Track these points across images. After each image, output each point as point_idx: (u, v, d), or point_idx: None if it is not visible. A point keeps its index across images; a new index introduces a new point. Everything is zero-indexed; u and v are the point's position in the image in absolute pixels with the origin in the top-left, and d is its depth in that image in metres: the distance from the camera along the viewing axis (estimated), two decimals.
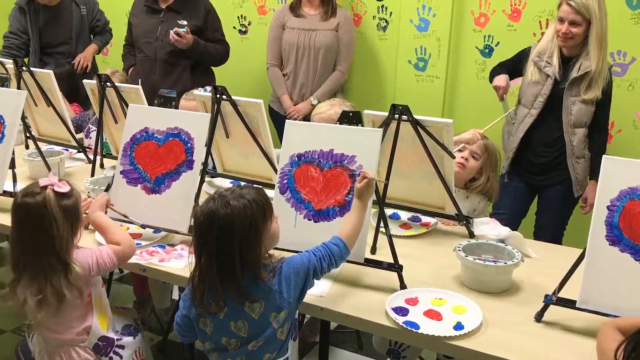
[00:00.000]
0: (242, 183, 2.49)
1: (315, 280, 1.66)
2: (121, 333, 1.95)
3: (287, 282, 1.60)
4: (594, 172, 2.83)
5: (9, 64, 2.89)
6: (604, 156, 1.66)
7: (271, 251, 1.64)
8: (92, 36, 4.25)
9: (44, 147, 2.85)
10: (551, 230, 2.93)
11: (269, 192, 1.73)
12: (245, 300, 1.57)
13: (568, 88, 2.77)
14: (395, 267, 1.81)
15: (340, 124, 1.94)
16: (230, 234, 1.53)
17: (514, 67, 2.98)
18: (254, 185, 1.73)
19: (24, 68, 2.74)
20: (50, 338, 1.84)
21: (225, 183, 2.69)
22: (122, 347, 1.91)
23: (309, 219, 1.89)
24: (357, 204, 1.77)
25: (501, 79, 2.93)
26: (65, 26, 4.07)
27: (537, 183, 2.95)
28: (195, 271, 1.60)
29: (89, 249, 1.83)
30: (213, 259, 1.55)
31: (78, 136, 2.99)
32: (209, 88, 2.94)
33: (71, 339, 1.82)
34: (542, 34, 3.22)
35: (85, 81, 2.87)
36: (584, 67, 2.72)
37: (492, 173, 2.49)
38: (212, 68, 3.87)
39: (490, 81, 3.01)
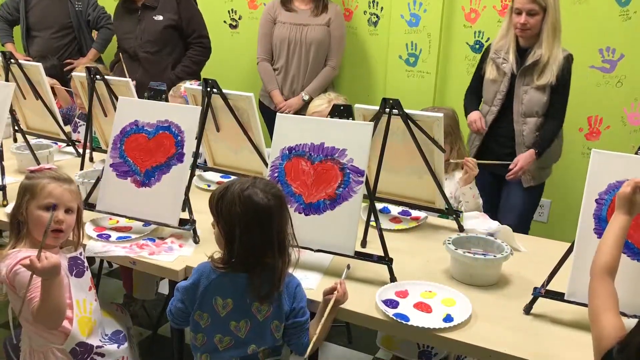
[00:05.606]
0: (232, 177, 2.49)
1: (298, 290, 1.67)
2: (109, 338, 1.90)
3: (291, 298, 1.64)
4: (536, 145, 2.83)
5: None
6: (592, 150, 1.67)
7: None
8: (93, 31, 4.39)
9: (32, 140, 2.83)
10: (515, 219, 2.92)
11: None
12: (256, 299, 1.59)
13: (520, 77, 2.81)
14: (386, 260, 1.82)
15: (331, 117, 1.94)
16: (270, 214, 1.59)
17: (481, 79, 3.01)
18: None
19: (12, 61, 2.71)
20: (31, 333, 1.80)
21: (216, 177, 2.68)
22: (102, 355, 1.84)
23: (300, 212, 1.89)
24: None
25: (474, 115, 2.98)
26: (52, 14, 4.18)
27: (501, 173, 2.93)
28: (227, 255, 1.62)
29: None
30: (250, 242, 1.58)
31: (66, 129, 2.96)
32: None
33: (48, 338, 1.77)
34: None
35: (74, 74, 2.85)
36: (537, 55, 2.76)
37: (458, 141, 2.55)
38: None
39: (466, 113, 3.04)
